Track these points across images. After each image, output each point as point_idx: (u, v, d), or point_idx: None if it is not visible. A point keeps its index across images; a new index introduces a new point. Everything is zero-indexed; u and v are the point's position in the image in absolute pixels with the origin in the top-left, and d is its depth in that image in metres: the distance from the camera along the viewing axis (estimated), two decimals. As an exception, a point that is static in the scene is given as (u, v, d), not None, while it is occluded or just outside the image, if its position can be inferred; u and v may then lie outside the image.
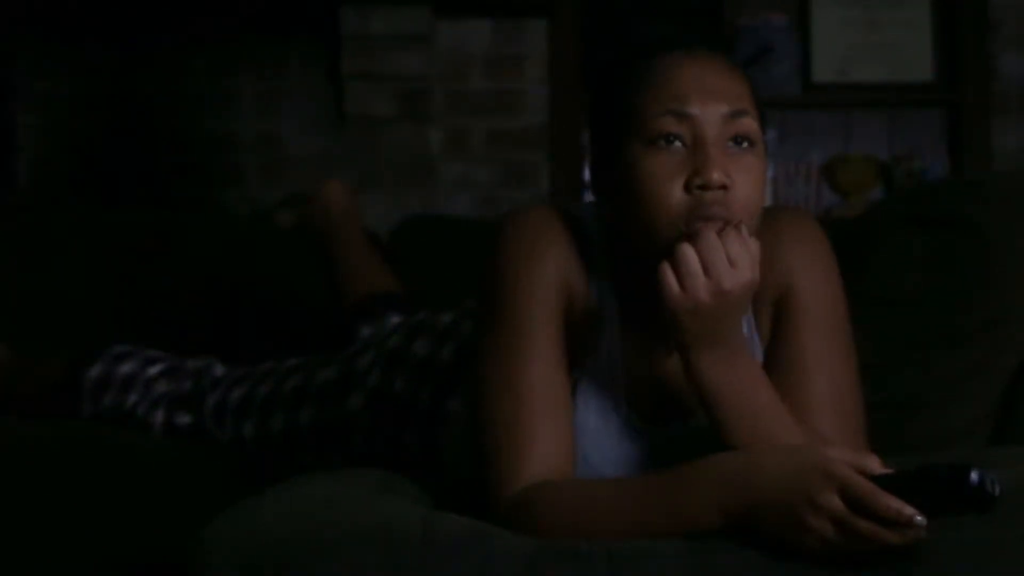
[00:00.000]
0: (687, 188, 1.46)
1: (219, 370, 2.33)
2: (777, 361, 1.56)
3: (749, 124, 1.50)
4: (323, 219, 2.72)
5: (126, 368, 2.38)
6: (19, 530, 2.03)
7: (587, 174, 1.63)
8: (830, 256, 1.61)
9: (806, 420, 1.51)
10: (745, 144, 1.49)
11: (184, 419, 2.28)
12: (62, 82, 3.82)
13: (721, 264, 1.43)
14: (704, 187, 1.45)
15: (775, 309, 1.59)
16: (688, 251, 1.43)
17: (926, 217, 1.97)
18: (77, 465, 2.11)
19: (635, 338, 1.59)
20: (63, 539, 2.04)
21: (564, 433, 1.50)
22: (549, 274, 1.54)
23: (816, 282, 1.58)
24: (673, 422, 1.60)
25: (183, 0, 3.73)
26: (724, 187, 1.45)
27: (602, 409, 1.58)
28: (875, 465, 1.30)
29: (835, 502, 1.27)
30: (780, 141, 4.03)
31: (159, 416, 2.31)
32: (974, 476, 1.22)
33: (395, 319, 2.41)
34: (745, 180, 1.47)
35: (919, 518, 1.24)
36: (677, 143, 1.48)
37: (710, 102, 1.48)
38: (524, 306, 1.52)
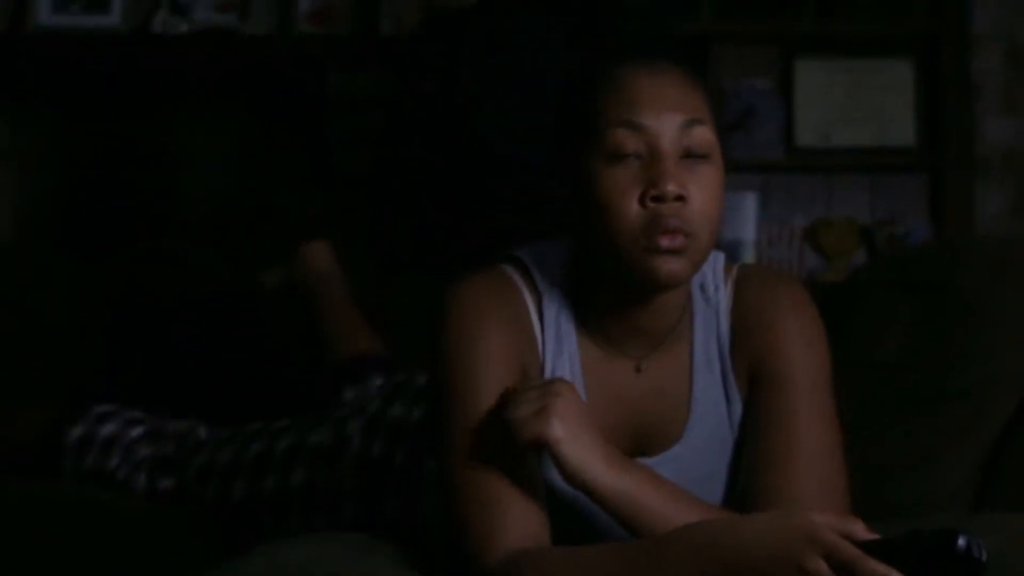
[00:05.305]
0: (642, 202, 1.46)
1: (203, 432, 2.32)
2: (760, 424, 1.56)
3: (704, 134, 1.50)
4: (305, 280, 2.72)
5: (108, 429, 2.36)
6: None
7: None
8: (817, 323, 1.60)
9: (789, 484, 1.50)
10: (700, 155, 1.50)
11: (166, 483, 2.26)
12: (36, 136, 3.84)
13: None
14: (659, 199, 1.45)
15: (758, 372, 1.58)
16: None
17: (909, 282, 1.98)
18: (60, 526, 2.09)
19: (598, 369, 1.58)
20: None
21: (535, 501, 1.48)
22: (495, 348, 1.53)
23: (802, 348, 1.57)
24: (647, 453, 1.58)
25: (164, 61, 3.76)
26: (681, 199, 1.46)
27: None
28: (860, 530, 1.29)
29: (822, 567, 1.26)
30: (763, 204, 4.05)
31: (141, 480, 2.29)
32: (961, 542, 1.22)
33: (378, 382, 2.41)
34: (701, 191, 1.48)
35: None
36: (632, 157, 1.48)
37: (664, 112, 1.49)
38: (473, 387, 1.51)
